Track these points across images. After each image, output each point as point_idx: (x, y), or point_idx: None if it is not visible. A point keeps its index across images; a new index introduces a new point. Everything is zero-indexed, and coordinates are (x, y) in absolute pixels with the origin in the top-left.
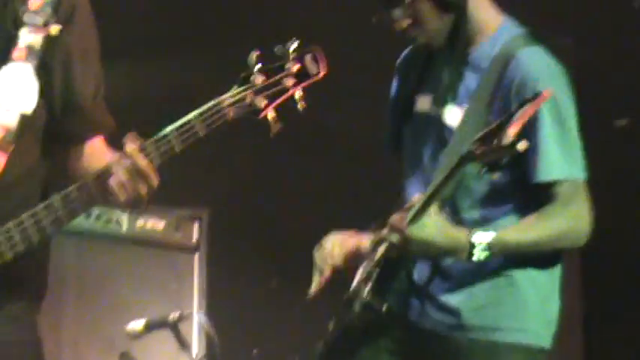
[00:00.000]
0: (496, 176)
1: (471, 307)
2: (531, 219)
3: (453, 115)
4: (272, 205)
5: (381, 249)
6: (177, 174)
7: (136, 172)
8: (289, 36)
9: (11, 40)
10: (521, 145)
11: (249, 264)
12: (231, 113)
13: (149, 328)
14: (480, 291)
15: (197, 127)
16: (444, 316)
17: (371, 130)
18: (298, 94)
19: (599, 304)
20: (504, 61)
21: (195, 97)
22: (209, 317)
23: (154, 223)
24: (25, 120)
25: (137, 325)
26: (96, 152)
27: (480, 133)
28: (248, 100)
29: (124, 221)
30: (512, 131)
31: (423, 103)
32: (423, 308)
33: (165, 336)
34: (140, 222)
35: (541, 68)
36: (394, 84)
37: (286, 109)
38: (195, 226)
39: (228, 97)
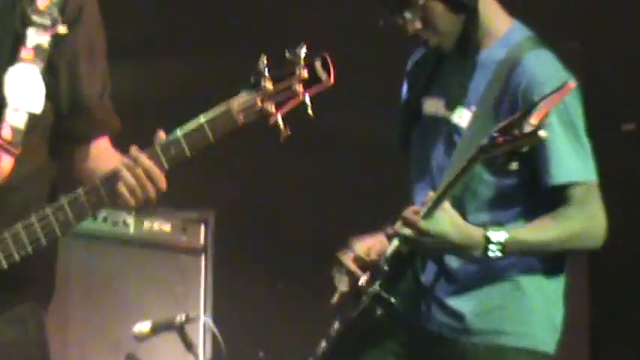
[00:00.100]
0: (515, 165)
1: (476, 311)
2: (546, 220)
3: (461, 118)
4: (278, 207)
5: (394, 244)
6: (184, 177)
7: (145, 176)
8: (289, 36)
9: (19, 40)
10: (543, 133)
11: (255, 266)
12: (241, 118)
13: (155, 330)
14: (486, 295)
15: (208, 132)
16: (449, 319)
17: (378, 132)
18: (308, 99)
19: (606, 311)
20: (511, 65)
21: (198, 97)
22: (215, 319)
23: (160, 226)
24: (33, 120)
25: (143, 327)
26: (102, 154)
27: (501, 124)
28: (259, 106)
29: (131, 223)
30: (534, 120)
31: (431, 106)
32: (429, 311)
33: (171, 338)
34: (147, 224)
35: (547, 72)
36: (404, 88)
37: (293, 113)
38: (202, 229)
39: (238, 102)
